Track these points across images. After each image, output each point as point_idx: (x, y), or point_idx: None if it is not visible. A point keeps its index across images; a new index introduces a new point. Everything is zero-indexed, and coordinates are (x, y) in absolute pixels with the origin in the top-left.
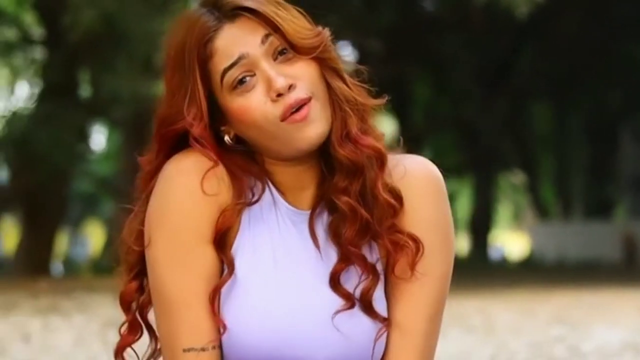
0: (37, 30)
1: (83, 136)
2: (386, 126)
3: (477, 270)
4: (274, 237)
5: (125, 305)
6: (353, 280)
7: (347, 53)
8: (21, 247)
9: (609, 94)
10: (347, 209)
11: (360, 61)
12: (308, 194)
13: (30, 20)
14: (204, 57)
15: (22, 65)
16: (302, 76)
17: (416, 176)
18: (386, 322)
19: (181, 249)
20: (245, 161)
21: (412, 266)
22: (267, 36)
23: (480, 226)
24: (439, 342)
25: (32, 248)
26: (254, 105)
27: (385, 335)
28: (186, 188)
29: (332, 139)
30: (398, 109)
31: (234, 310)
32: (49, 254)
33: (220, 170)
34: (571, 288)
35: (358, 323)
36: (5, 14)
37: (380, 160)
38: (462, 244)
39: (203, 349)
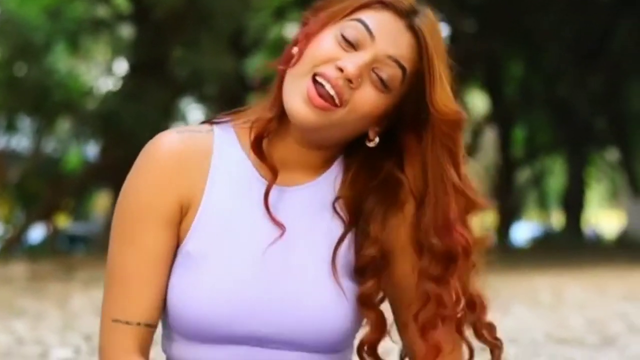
0: (126, 8)
1: (168, 113)
2: (479, 103)
3: (569, 248)
4: (245, 211)
5: None
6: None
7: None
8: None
9: None
10: (433, 295)
11: (453, 38)
12: (304, 171)
13: None
14: (355, 9)
15: (112, 42)
16: (361, 102)
17: None
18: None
19: (131, 228)
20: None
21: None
22: (401, 67)
23: (573, 204)
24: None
25: None
26: (327, 46)
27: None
28: (152, 172)
29: (424, 221)
30: (491, 86)
31: (188, 283)
32: None
33: (201, 157)
34: None
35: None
36: None
37: (467, 254)
38: (556, 222)
39: (128, 323)
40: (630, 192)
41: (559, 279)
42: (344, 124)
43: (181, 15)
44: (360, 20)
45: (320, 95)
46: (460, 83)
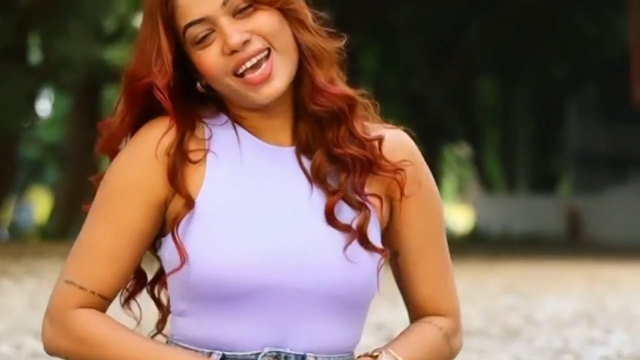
0: None
1: (32, 101)
2: None
3: None
4: (247, 174)
5: None
6: (345, 216)
7: None
8: None
9: (556, 68)
10: (350, 157)
11: None
12: (286, 133)
13: None
14: (167, 13)
15: None
16: (260, 28)
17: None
18: (384, 252)
19: (111, 203)
20: (212, 111)
21: (402, 187)
22: None
23: None
24: (390, 310)
25: None
26: (210, 59)
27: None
28: (142, 153)
29: (302, 93)
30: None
31: (203, 244)
32: None
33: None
34: (517, 260)
35: (358, 253)
36: None
37: (352, 105)
38: None
39: (81, 288)
40: (479, 187)
41: None
42: (286, 52)
43: (47, 1)
44: (186, 27)
45: (254, 72)
46: None
